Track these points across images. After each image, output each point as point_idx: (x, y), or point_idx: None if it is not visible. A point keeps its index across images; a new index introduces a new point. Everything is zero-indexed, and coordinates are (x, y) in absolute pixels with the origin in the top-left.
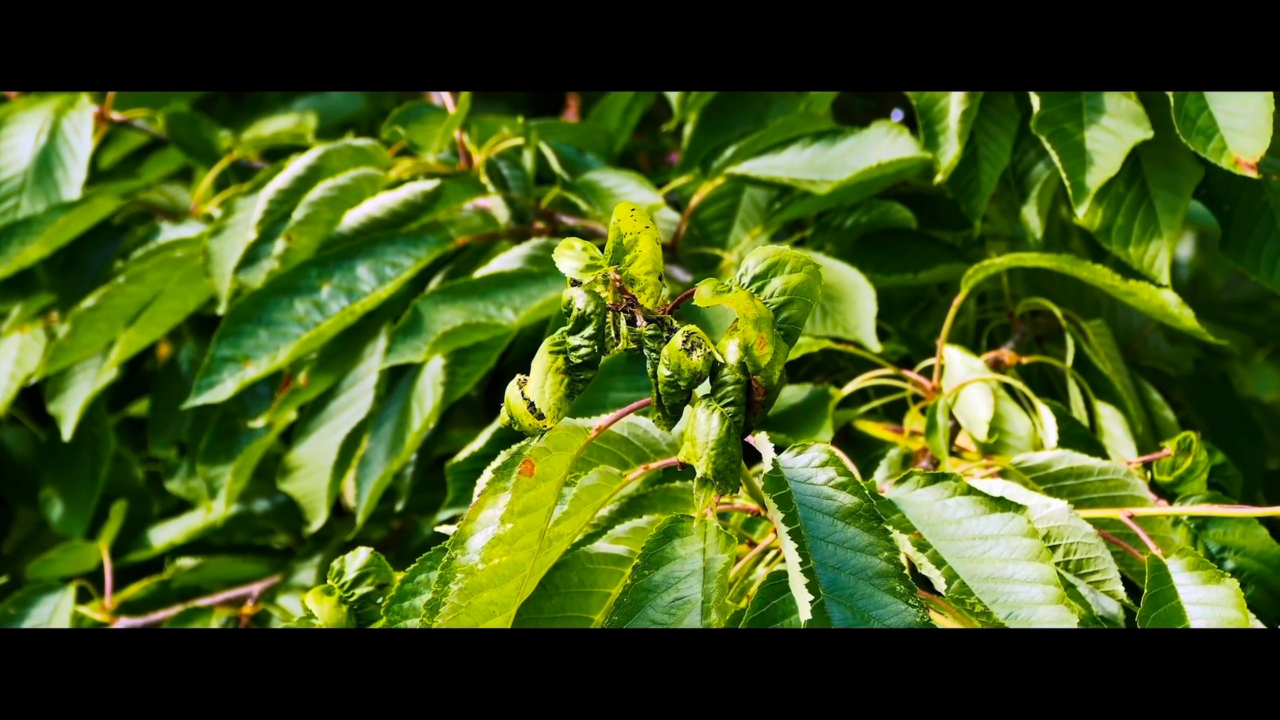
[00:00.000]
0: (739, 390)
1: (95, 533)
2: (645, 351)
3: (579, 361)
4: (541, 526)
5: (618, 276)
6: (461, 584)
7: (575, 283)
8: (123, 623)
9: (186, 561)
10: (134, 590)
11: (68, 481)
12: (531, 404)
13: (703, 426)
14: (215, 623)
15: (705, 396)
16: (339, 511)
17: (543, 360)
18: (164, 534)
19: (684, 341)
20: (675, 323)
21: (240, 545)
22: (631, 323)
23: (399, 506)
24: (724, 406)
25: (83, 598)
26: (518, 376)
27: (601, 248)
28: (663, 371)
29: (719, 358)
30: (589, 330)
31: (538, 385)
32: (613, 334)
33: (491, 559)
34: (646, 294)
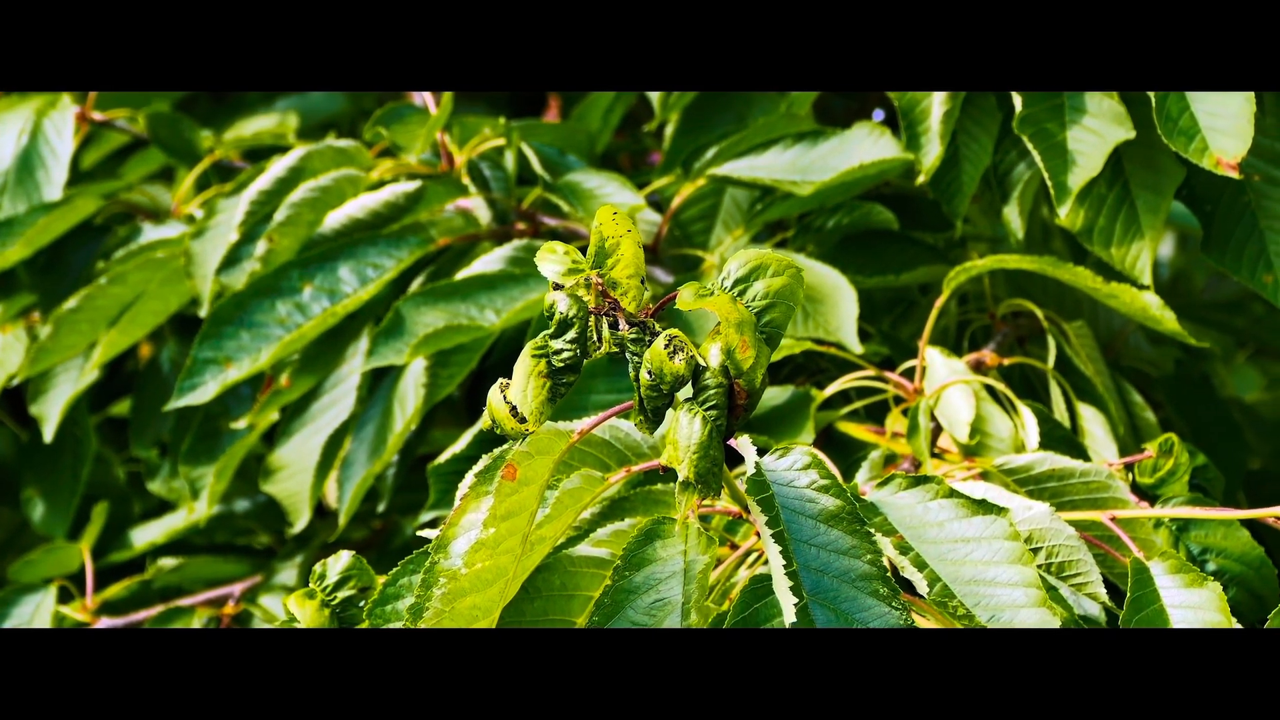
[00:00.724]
0: (721, 394)
1: (77, 533)
2: (628, 355)
3: (561, 365)
4: (524, 530)
5: (600, 280)
6: (445, 589)
7: (558, 286)
8: (104, 623)
9: (168, 561)
10: (115, 590)
11: (49, 482)
12: (514, 408)
13: (685, 430)
14: (196, 623)
15: (687, 400)
16: (320, 511)
17: (525, 364)
18: (145, 534)
19: (666, 345)
20: (658, 326)
21: (221, 545)
22: (614, 326)
23: (381, 507)
24: (706, 410)
25: (64, 598)
26: (500, 380)
27: (583, 249)
28: (645, 375)
29: (701, 361)
30: (571, 334)
31: (520, 389)
32: (595, 338)
33: (474, 563)
34: (629, 298)
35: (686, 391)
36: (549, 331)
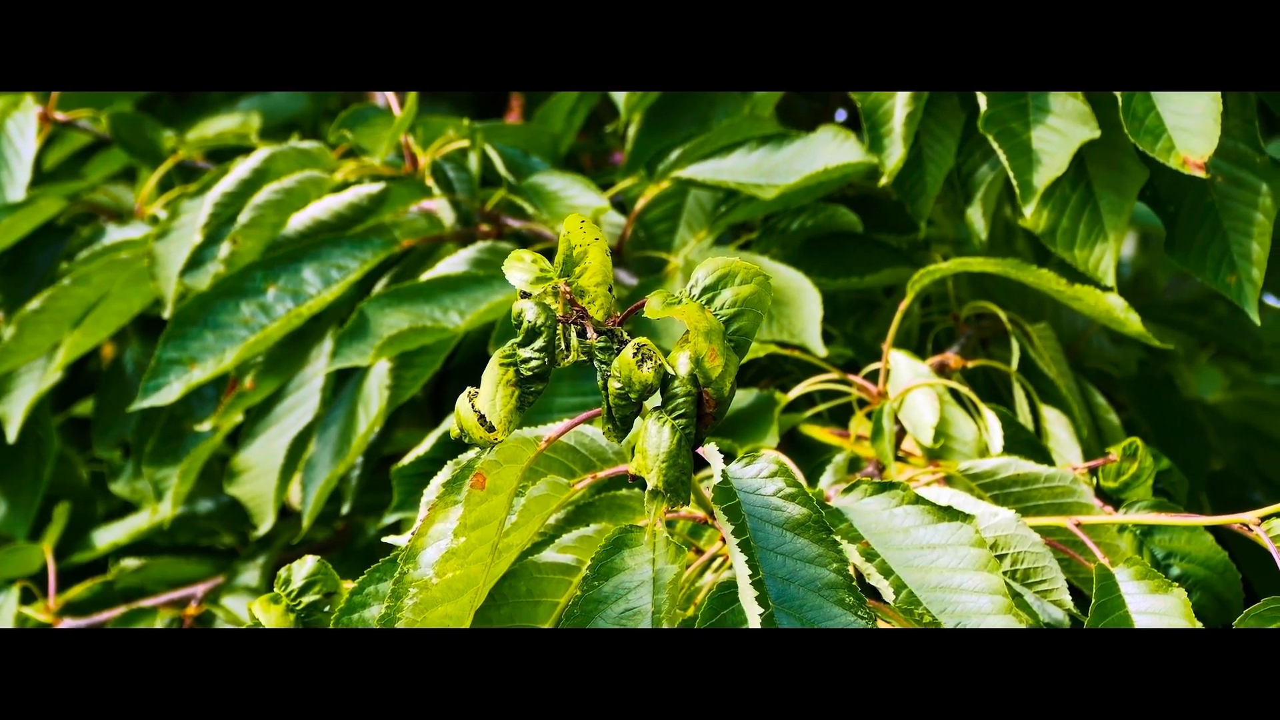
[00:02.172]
0: (690, 402)
1: (39, 534)
2: (596, 364)
3: (529, 374)
4: (494, 539)
5: (568, 289)
6: (416, 599)
7: (525, 295)
8: (66, 624)
9: (130, 562)
10: (78, 591)
11: (11, 482)
12: (482, 416)
13: (653, 439)
14: (159, 623)
15: (656, 408)
16: (283, 512)
17: (493, 373)
18: (108, 535)
19: (635, 354)
20: (626, 335)
21: (184, 546)
22: (582, 335)
23: (344, 509)
24: (675, 418)
25: (26, 599)
26: (468, 389)
27: (548, 253)
28: (613, 384)
29: (670, 370)
30: (539, 343)
31: (488, 398)
32: (563, 346)
33: (445, 573)
34: (596, 305)
35: (655, 400)
36: (517, 340)
